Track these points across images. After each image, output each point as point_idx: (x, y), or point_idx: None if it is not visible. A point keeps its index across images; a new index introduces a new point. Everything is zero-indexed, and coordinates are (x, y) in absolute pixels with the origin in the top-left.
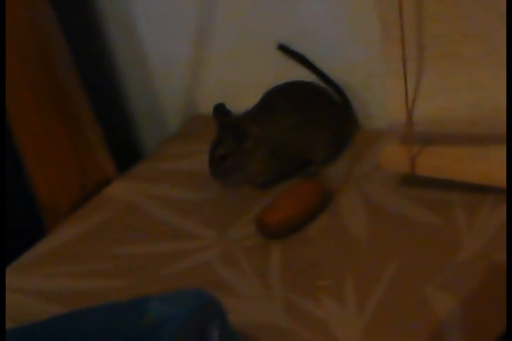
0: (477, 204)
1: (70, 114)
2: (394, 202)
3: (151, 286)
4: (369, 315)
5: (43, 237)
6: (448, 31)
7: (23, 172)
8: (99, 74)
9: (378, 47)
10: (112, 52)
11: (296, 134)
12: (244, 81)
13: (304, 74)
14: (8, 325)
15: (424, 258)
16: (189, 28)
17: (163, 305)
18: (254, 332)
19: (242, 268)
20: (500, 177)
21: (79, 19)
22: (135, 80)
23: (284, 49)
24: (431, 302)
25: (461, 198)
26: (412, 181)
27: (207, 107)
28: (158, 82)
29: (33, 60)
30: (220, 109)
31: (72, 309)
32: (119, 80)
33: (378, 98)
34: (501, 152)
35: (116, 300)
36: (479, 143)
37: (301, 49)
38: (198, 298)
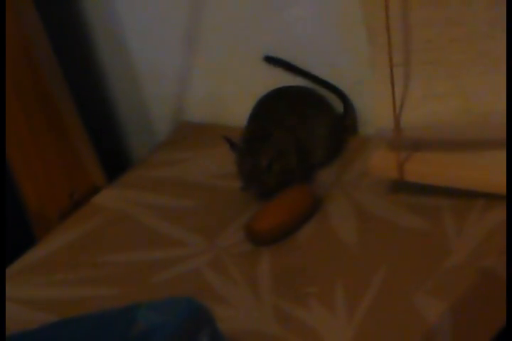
0: (466, 210)
1: (57, 122)
2: (383, 208)
3: (140, 294)
4: (359, 321)
5: (33, 246)
6: (435, 36)
7: (12, 181)
8: (87, 82)
9: (366, 53)
10: (99, 61)
11: (300, 135)
12: (232, 88)
13: (293, 82)
14: None
15: (413, 264)
16: (177, 35)
17: (152, 313)
18: (244, 339)
19: (231, 276)
20: (488, 183)
21: (66, 28)
22: (123, 88)
23: (271, 60)
24: (420, 308)
25: (450, 204)
26: (400, 187)
27: (195, 115)
28: (147, 90)
29: (21, 69)
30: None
31: (61, 317)
32: (107, 88)
33: (366, 104)
34: (490, 157)
35: (106, 308)
36: (468, 149)
37: (289, 56)
38: (187, 306)
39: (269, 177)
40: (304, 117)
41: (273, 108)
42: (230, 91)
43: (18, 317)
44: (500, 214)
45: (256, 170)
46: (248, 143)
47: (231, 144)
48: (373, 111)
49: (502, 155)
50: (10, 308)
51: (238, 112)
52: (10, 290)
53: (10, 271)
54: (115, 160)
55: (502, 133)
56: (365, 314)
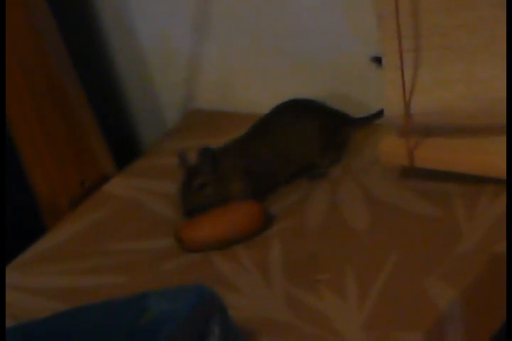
0: (476, 195)
1: (68, 110)
2: (393, 195)
3: (151, 282)
4: (369, 307)
5: (43, 235)
6: (444, 22)
7: (22, 170)
8: (96, 70)
9: (375, 39)
10: (109, 48)
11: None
12: (242, 75)
13: (300, 68)
14: (9, 322)
15: (423, 250)
16: (187, 22)
17: (163, 301)
18: (255, 326)
19: (242, 263)
20: (498, 168)
21: (75, 15)
22: (133, 76)
23: (378, 60)
24: (431, 294)
25: (460, 189)
26: (410, 173)
27: (205, 102)
28: (157, 78)
29: (31, 58)
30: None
31: (72, 306)
32: (116, 76)
33: (376, 91)
34: (499, 143)
35: (117, 296)
36: (477, 135)
37: (299, 43)
38: (198, 294)
39: (198, 198)
40: (281, 128)
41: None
42: (240, 78)
43: (29, 306)
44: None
45: (188, 187)
46: (199, 163)
47: (181, 160)
48: (381, 97)
49: None
50: (21, 297)
51: (248, 99)
52: (21, 280)
53: (21, 260)
54: (125, 148)
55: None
56: (375, 300)
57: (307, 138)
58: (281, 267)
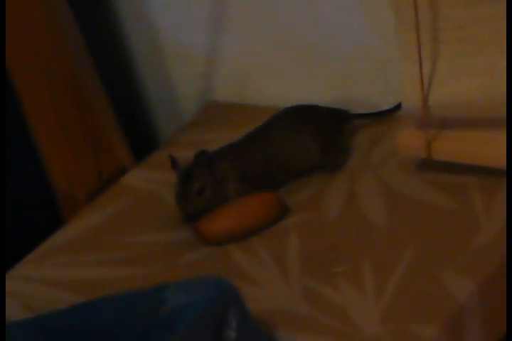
0: (494, 188)
1: (85, 102)
2: (411, 187)
3: (169, 274)
4: (387, 300)
5: (61, 227)
6: (462, 14)
7: (40, 162)
8: (114, 62)
9: (393, 32)
10: (127, 40)
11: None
12: (259, 68)
13: (317, 62)
14: (27, 314)
15: (441, 242)
16: (204, 15)
17: (181, 293)
18: (273, 318)
19: (259, 255)
20: None
21: (93, 7)
22: (151, 68)
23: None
24: (448, 287)
25: (478, 182)
26: (428, 165)
27: (222, 94)
28: (174, 70)
29: (48, 49)
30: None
31: (89, 298)
32: (134, 68)
33: (393, 83)
34: None
35: (134, 288)
36: (495, 127)
37: (315, 35)
38: (216, 286)
39: (198, 202)
40: (277, 135)
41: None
42: (257, 71)
43: (47, 298)
44: None
45: (186, 192)
46: (192, 166)
47: (173, 163)
48: (398, 90)
49: None
50: (39, 289)
51: (265, 92)
52: (39, 271)
53: (39, 251)
54: (142, 140)
55: None
56: (393, 293)
57: (305, 145)
58: (299, 259)
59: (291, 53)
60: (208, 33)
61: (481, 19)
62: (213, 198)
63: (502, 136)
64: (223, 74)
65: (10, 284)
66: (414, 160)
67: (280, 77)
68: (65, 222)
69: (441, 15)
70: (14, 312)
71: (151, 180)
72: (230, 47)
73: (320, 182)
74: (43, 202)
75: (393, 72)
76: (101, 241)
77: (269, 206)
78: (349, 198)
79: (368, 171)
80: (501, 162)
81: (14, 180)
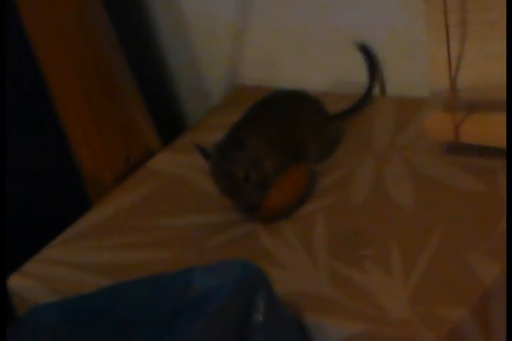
0: None
1: (113, 86)
2: (438, 170)
3: (196, 257)
4: (415, 283)
5: (88, 210)
6: None
7: (68, 146)
8: (141, 46)
9: (421, 15)
10: (155, 24)
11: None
12: (287, 51)
13: (345, 45)
14: (55, 297)
15: (469, 225)
16: None
17: (208, 276)
18: (300, 301)
19: (286, 238)
20: None
21: None
22: (178, 52)
23: (364, 50)
24: (476, 270)
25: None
26: (456, 149)
27: (250, 77)
28: (202, 53)
29: (76, 34)
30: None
31: (117, 281)
32: (162, 52)
33: (421, 66)
34: None
35: (162, 271)
36: None
37: (345, 17)
38: (243, 269)
39: (248, 188)
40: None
41: (252, 115)
42: (286, 54)
43: (74, 282)
44: None
45: (233, 183)
46: (221, 153)
47: (204, 153)
48: (426, 73)
49: None
50: (66, 273)
51: (293, 75)
52: (66, 255)
53: (66, 235)
54: (170, 124)
55: None
56: (420, 276)
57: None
58: (326, 242)
59: (320, 37)
60: (236, 16)
61: (506, 2)
62: (259, 179)
63: None
64: (251, 57)
65: (37, 268)
66: (442, 144)
67: (308, 60)
68: (93, 206)
69: None
70: (41, 295)
71: (178, 164)
72: (259, 30)
73: (347, 165)
74: (70, 185)
75: (422, 55)
76: (128, 225)
77: (309, 174)
78: (376, 181)
79: (396, 154)
80: None
81: (42, 164)
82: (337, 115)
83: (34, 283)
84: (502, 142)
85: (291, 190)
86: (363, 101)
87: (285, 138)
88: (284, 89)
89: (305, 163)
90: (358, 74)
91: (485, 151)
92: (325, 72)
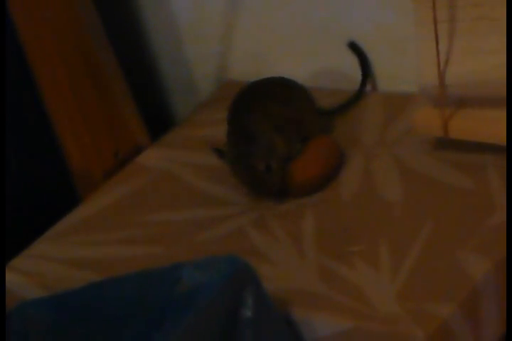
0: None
1: (102, 81)
2: (427, 166)
3: (184, 253)
4: (403, 279)
5: (77, 206)
6: None
7: (56, 141)
8: (130, 40)
9: (410, 11)
10: (143, 19)
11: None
12: (276, 46)
13: (334, 40)
14: (44, 292)
15: (457, 221)
16: None
17: (196, 272)
18: (288, 297)
19: (275, 234)
20: None
21: None
22: (167, 47)
23: (354, 47)
24: (465, 266)
25: (495, 161)
26: (445, 144)
27: (239, 73)
28: (190, 49)
29: (65, 29)
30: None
31: (106, 277)
32: (150, 47)
33: (410, 62)
34: None
35: (150, 267)
36: None
37: (332, 14)
38: (231, 265)
39: (272, 177)
40: (284, 99)
41: (246, 105)
42: (274, 49)
43: (63, 277)
44: None
45: (255, 176)
46: (236, 148)
47: (218, 153)
48: (415, 68)
49: None
50: (55, 268)
51: (282, 70)
52: (55, 250)
53: (55, 230)
54: (159, 120)
55: None
56: (409, 272)
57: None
58: (315, 238)
59: (308, 32)
60: (225, 12)
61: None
62: (279, 165)
63: None
64: (240, 53)
65: (26, 263)
66: (430, 139)
67: (296, 55)
68: (81, 201)
69: None
70: (31, 291)
71: (167, 159)
72: (247, 25)
73: None
74: (59, 181)
75: (410, 51)
76: (117, 220)
77: (335, 149)
78: (365, 176)
79: (384, 149)
80: None
81: (31, 159)
82: (330, 111)
83: (22, 278)
84: (491, 137)
85: (316, 161)
86: (357, 98)
87: (286, 120)
88: (265, 78)
89: (329, 137)
90: (346, 70)
91: (474, 147)
92: (313, 67)
